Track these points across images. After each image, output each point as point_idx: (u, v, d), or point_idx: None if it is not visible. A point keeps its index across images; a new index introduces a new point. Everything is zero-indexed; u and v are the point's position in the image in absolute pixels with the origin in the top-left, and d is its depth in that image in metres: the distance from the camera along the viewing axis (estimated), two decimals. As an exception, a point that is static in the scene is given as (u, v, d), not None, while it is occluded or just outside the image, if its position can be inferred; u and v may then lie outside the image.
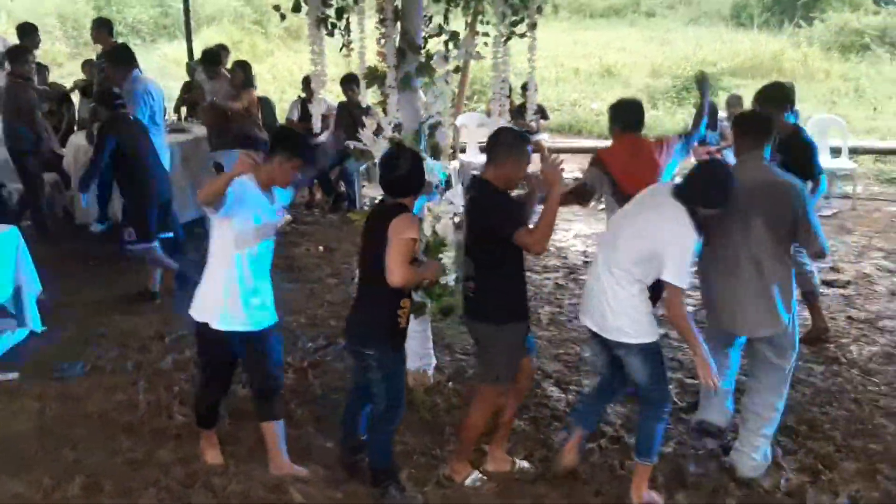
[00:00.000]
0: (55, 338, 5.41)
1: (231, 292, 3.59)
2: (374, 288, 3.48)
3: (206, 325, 3.67)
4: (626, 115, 4.63)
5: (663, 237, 3.45)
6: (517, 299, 3.67)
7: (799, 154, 4.80)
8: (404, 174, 3.45)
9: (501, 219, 3.50)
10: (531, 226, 3.51)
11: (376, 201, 4.26)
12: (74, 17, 18.62)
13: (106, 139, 5.79)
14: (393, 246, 3.32)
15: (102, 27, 7.84)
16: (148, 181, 5.82)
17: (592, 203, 5.25)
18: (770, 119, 4.08)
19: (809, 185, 4.50)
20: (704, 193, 3.47)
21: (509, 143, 3.57)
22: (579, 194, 4.65)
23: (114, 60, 6.78)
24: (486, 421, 3.80)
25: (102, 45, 7.69)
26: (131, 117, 6.02)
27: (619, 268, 3.53)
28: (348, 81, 8.06)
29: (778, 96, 4.93)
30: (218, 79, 8.15)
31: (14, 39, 9.08)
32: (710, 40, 17.37)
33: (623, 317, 3.52)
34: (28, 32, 8.51)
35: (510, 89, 4.74)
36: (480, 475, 3.85)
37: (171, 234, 6.09)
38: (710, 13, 20.14)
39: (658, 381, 3.63)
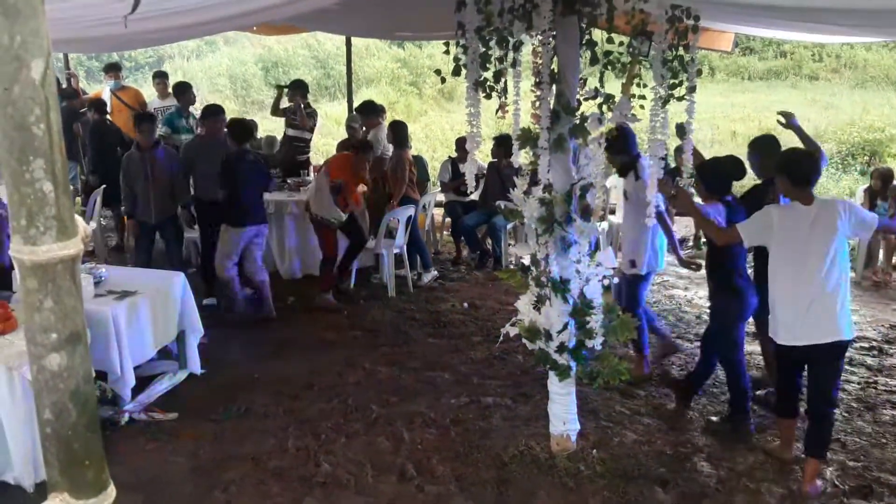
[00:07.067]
0: (214, 381, 5.67)
1: None
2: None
3: None
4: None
5: None
6: None
7: None
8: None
9: None
10: None
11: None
12: (244, 77, 19.91)
13: None
14: None
15: (299, 88, 9.41)
16: None
17: None
18: None
19: None
20: None
21: None
22: None
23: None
24: None
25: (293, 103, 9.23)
26: None
27: None
28: (500, 144, 8.16)
29: None
30: (375, 127, 8.45)
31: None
32: (877, 105, 16.51)
33: None
34: (181, 91, 9.06)
35: (666, 153, 4.64)
36: None
37: None
38: (878, 77, 19.13)
39: None
